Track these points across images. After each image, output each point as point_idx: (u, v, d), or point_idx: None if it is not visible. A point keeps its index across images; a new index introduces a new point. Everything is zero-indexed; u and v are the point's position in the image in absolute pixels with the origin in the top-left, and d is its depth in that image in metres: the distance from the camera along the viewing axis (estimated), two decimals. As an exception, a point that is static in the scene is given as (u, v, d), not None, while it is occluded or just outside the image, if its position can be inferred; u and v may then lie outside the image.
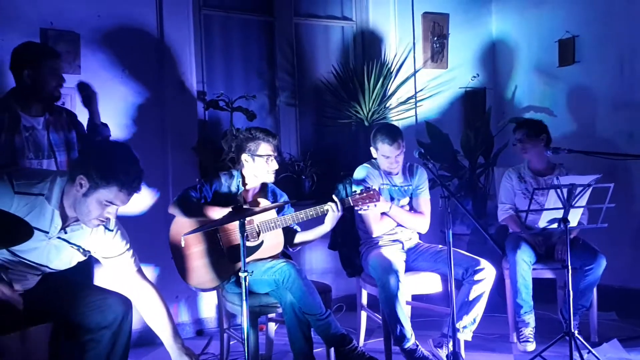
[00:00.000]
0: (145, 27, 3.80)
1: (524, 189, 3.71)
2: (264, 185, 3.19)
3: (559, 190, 3.01)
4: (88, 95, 3.12)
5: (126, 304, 2.41)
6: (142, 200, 3.78)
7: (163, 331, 2.48)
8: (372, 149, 3.37)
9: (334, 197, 3.04)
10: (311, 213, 3.00)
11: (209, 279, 3.00)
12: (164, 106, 3.85)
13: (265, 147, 3.07)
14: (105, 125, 3.19)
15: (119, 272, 2.50)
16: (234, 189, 3.10)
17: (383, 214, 3.33)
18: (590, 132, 4.42)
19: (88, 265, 2.92)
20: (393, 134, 3.29)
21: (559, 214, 3.06)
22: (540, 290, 3.60)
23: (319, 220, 3.09)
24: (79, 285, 2.51)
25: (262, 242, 3.02)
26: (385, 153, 3.27)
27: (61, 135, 2.92)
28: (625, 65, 4.22)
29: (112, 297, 2.41)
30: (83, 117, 3.16)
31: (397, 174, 3.41)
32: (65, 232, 2.32)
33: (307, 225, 3.16)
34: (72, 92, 3.36)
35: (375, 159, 3.43)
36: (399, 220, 3.36)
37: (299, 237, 3.19)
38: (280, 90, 4.54)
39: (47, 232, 2.28)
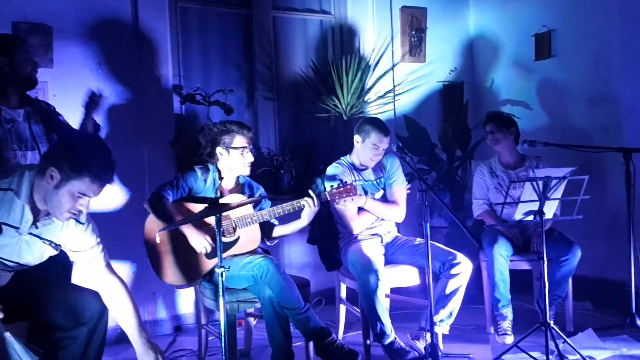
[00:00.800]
0: (120, 20, 3.74)
1: (496, 183, 3.74)
2: (240, 179, 3.17)
3: (534, 183, 3.04)
4: (95, 103, 3.11)
5: (102, 302, 2.40)
6: (118, 195, 3.74)
7: (128, 325, 2.46)
8: (357, 137, 3.38)
9: (310, 192, 3.03)
10: (288, 208, 2.99)
11: (185, 275, 2.98)
12: (140, 100, 3.80)
13: (239, 140, 3.05)
14: (98, 126, 3.17)
15: (87, 266, 2.47)
16: (209, 183, 3.08)
17: (360, 209, 3.34)
18: (565, 125, 4.47)
19: (65, 263, 2.89)
20: (385, 126, 3.41)
21: (535, 206, 3.09)
22: (517, 281, 3.64)
23: (297, 214, 3.08)
24: (55, 283, 2.49)
25: (238, 238, 3.01)
26: (376, 143, 3.30)
27: (42, 127, 2.92)
28: (600, 60, 4.27)
29: (89, 295, 2.40)
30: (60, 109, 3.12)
31: (366, 168, 3.43)
32: (37, 227, 2.28)
33: (285, 219, 3.16)
34: (44, 86, 3.32)
35: (349, 154, 3.44)
36: (375, 213, 3.38)
37: (277, 231, 3.18)
38: (258, 84, 4.52)
39: (18, 228, 2.24)
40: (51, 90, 3.46)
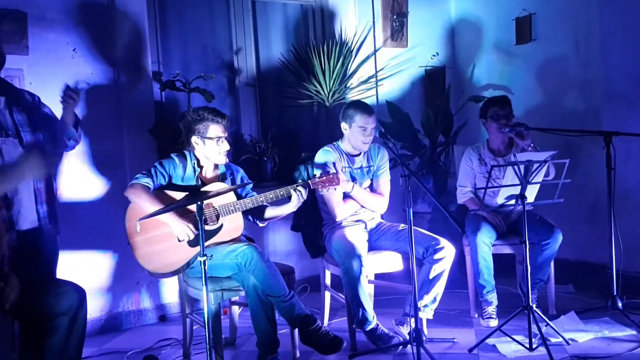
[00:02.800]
0: (97, 6, 3.66)
1: (484, 172, 3.67)
2: (219, 166, 3.14)
3: (516, 167, 3.05)
4: (72, 98, 2.93)
5: (80, 292, 2.42)
6: (98, 185, 3.69)
7: None
8: (343, 124, 3.37)
9: (299, 188, 2.98)
10: (271, 196, 2.97)
11: (167, 263, 2.94)
12: (118, 87, 3.74)
13: (214, 129, 3.01)
14: (79, 122, 3.06)
15: None
16: (189, 170, 3.04)
17: (345, 196, 3.34)
18: (547, 109, 4.49)
19: (48, 257, 2.87)
20: (368, 106, 3.41)
21: (516, 190, 3.11)
22: (500, 265, 3.66)
23: (282, 200, 3.06)
24: (32, 276, 2.49)
25: (221, 226, 2.98)
26: (362, 124, 3.29)
27: (25, 115, 2.83)
28: (580, 43, 4.28)
29: (66, 285, 2.42)
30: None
31: (359, 154, 3.42)
32: None
33: (272, 203, 3.12)
34: (19, 74, 3.25)
35: (339, 140, 3.43)
36: (360, 201, 3.38)
37: (269, 212, 3.15)
38: (239, 70, 4.47)
39: None
40: (27, 77, 3.38)
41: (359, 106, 3.37)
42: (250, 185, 3.19)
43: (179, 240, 2.92)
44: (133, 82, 3.79)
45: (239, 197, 3.10)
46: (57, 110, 3.01)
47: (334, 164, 3.30)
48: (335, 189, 3.05)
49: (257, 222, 3.18)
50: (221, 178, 3.12)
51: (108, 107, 3.71)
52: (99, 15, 3.67)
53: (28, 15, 3.41)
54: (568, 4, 4.33)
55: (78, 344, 2.43)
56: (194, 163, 3.05)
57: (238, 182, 3.16)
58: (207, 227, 2.93)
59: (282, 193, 2.98)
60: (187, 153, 3.07)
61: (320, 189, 3.02)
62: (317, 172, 3.09)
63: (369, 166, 3.46)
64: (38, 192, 2.81)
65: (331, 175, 3.00)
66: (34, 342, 2.36)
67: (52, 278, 2.74)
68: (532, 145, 3.56)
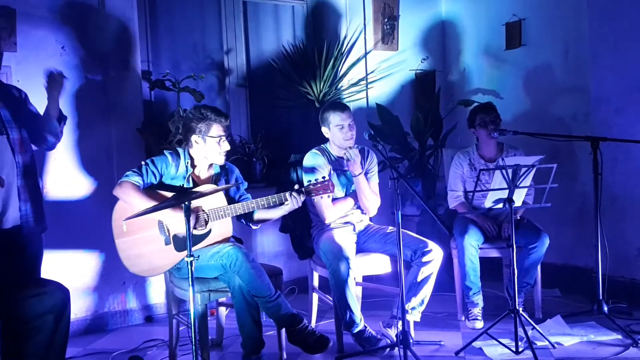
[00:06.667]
0: (87, 3, 3.64)
1: (474, 176, 3.67)
2: (214, 167, 3.11)
3: (504, 171, 3.07)
4: (57, 82, 2.93)
5: (64, 291, 2.41)
6: (85, 184, 3.67)
7: None
8: (323, 128, 3.37)
9: (294, 194, 2.94)
10: (263, 202, 2.94)
11: (153, 267, 2.92)
12: (107, 86, 3.72)
13: (217, 129, 2.97)
14: (64, 118, 3.02)
15: None
16: (181, 170, 3.00)
17: (334, 200, 3.34)
18: (535, 114, 4.51)
19: (33, 257, 2.84)
20: (340, 104, 3.45)
21: (504, 194, 3.12)
22: (487, 268, 3.68)
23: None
24: (14, 275, 2.48)
25: (210, 231, 2.96)
26: (339, 122, 3.29)
27: (11, 111, 2.80)
28: (569, 49, 4.32)
29: (50, 285, 2.41)
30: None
31: (344, 158, 3.41)
32: None
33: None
34: (7, 71, 3.22)
35: (326, 141, 3.42)
36: (362, 189, 3.33)
37: (259, 215, 3.13)
38: (230, 70, 4.46)
39: None
40: (15, 75, 3.35)
41: (331, 106, 3.37)
42: (245, 186, 3.17)
43: (168, 242, 2.90)
44: (122, 80, 3.77)
45: (231, 199, 3.08)
46: (42, 105, 2.98)
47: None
48: (329, 196, 3.04)
49: (250, 224, 3.17)
50: (215, 179, 3.09)
51: (96, 105, 3.69)
52: (88, 13, 3.64)
53: (17, 12, 3.38)
54: (558, 10, 4.36)
55: (62, 345, 2.41)
56: (188, 162, 3.02)
57: (232, 183, 3.13)
58: (196, 232, 2.90)
59: (274, 200, 2.95)
60: (181, 151, 3.03)
61: (314, 196, 3.00)
62: (312, 178, 3.07)
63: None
64: (21, 189, 2.78)
65: (326, 183, 2.98)
66: (17, 342, 2.33)
67: (36, 277, 2.72)
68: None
